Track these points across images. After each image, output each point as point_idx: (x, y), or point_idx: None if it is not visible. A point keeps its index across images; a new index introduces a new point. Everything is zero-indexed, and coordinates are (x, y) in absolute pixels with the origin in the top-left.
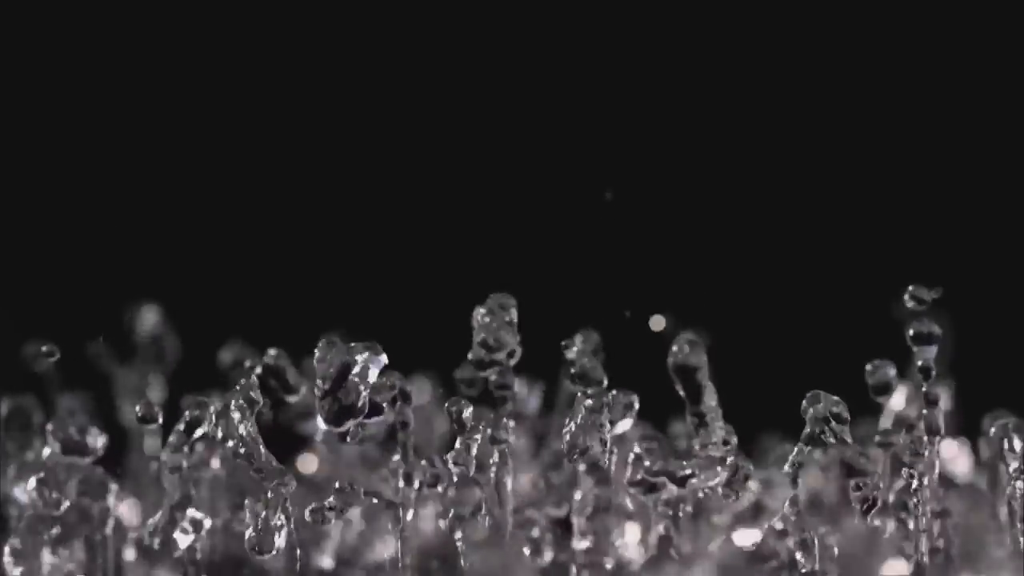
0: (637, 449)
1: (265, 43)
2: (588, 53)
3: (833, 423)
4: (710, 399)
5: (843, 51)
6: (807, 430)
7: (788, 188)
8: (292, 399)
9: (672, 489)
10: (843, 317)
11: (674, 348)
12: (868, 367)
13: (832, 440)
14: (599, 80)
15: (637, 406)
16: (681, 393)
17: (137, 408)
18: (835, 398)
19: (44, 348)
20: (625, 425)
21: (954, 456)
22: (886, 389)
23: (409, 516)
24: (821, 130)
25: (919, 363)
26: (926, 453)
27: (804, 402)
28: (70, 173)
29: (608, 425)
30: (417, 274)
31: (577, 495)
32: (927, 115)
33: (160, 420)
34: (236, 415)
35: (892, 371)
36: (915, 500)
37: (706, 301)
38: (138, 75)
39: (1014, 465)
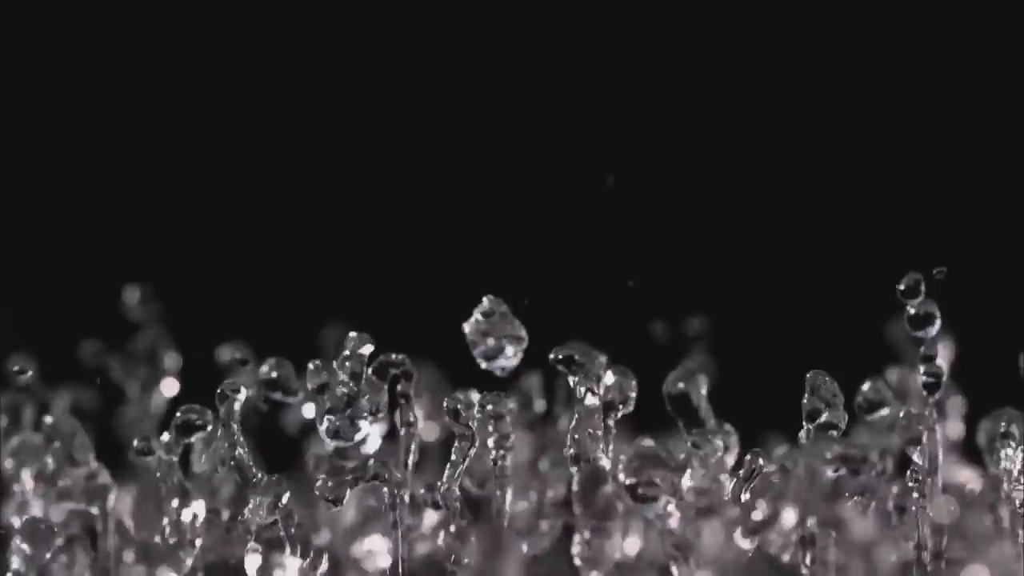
0: (633, 459)
1: (264, 43)
2: (584, 42)
3: (830, 399)
4: (706, 425)
5: (848, 43)
6: (807, 406)
7: (794, 187)
8: (292, 400)
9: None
10: (846, 316)
11: (671, 377)
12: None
13: (830, 410)
14: (601, 67)
15: (635, 386)
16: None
17: (135, 442)
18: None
19: (16, 367)
20: (627, 407)
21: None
22: (878, 407)
23: (407, 496)
24: (823, 126)
25: (921, 349)
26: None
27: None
28: (69, 174)
29: (608, 412)
30: (418, 267)
31: (576, 498)
32: (929, 114)
33: (157, 453)
34: (223, 432)
35: (886, 393)
36: (916, 480)
37: (708, 296)
38: (138, 77)
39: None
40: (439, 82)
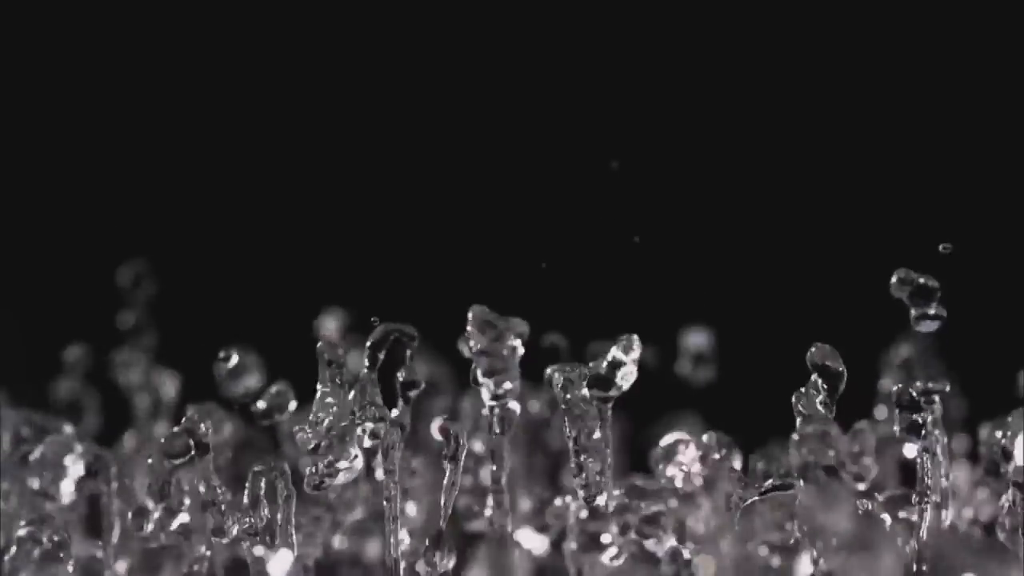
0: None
1: (261, 33)
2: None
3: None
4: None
5: (849, 39)
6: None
7: (799, 189)
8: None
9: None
10: (847, 317)
11: (665, 441)
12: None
13: (824, 391)
14: (601, 57)
15: (638, 346)
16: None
17: (128, 514)
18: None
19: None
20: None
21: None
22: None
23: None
24: (823, 125)
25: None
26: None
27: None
28: (69, 171)
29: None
30: (417, 257)
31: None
32: (932, 116)
33: (151, 528)
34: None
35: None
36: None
37: (710, 296)
38: (137, 75)
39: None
40: (435, 70)
